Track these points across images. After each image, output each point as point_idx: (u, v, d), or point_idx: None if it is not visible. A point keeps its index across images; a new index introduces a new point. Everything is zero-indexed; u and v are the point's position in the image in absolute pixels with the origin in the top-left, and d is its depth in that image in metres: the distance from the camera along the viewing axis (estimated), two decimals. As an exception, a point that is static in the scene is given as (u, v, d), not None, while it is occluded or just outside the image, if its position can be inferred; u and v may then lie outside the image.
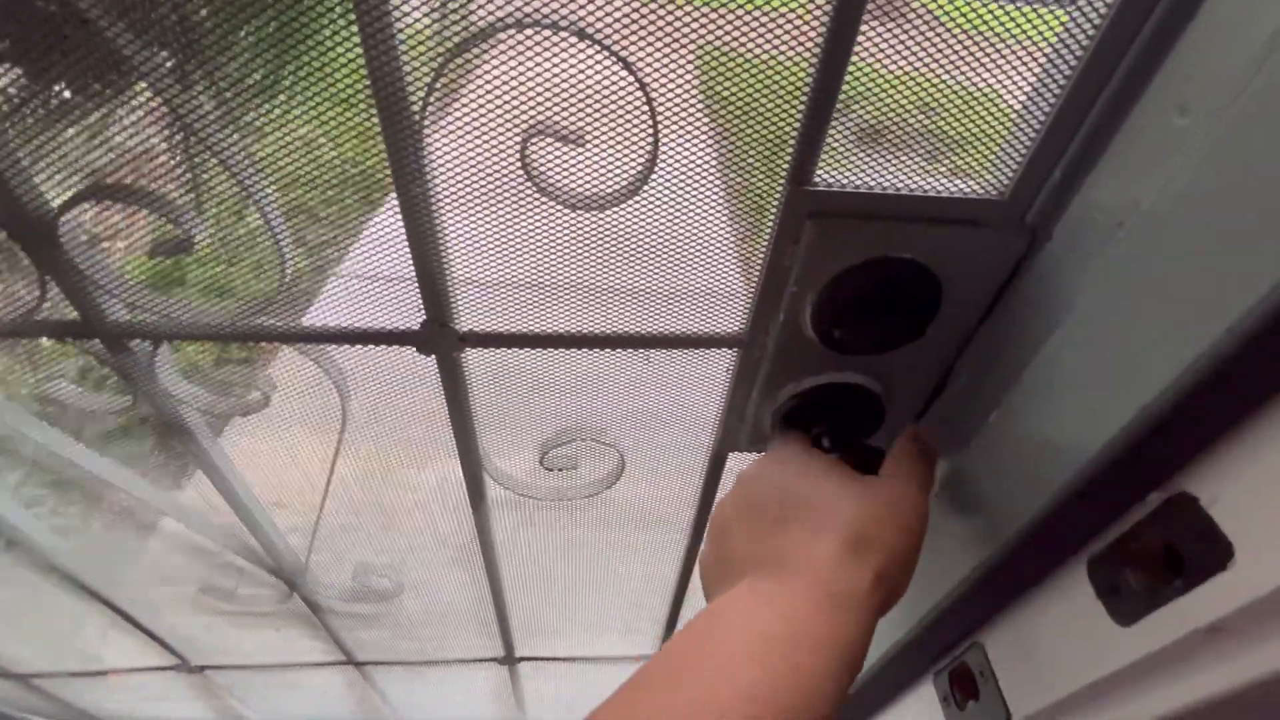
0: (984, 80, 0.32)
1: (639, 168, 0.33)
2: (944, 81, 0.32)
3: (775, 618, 0.29)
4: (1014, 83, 0.31)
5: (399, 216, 0.35)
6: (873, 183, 0.34)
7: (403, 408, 0.51)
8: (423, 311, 0.41)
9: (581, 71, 0.29)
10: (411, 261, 0.38)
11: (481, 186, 0.34)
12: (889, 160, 0.34)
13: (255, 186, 0.36)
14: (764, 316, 0.40)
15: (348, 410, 0.51)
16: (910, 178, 0.34)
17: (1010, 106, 0.32)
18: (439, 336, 0.42)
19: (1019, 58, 0.31)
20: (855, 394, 0.44)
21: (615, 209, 0.35)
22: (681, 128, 0.32)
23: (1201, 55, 0.24)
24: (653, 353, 0.45)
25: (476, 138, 0.32)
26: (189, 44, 0.32)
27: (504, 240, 0.37)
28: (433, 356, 0.44)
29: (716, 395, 0.49)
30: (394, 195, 0.35)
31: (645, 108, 0.30)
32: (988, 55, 0.31)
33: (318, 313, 0.45)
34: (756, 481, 0.39)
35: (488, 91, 0.30)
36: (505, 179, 0.34)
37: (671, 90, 0.30)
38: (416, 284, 0.39)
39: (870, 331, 0.38)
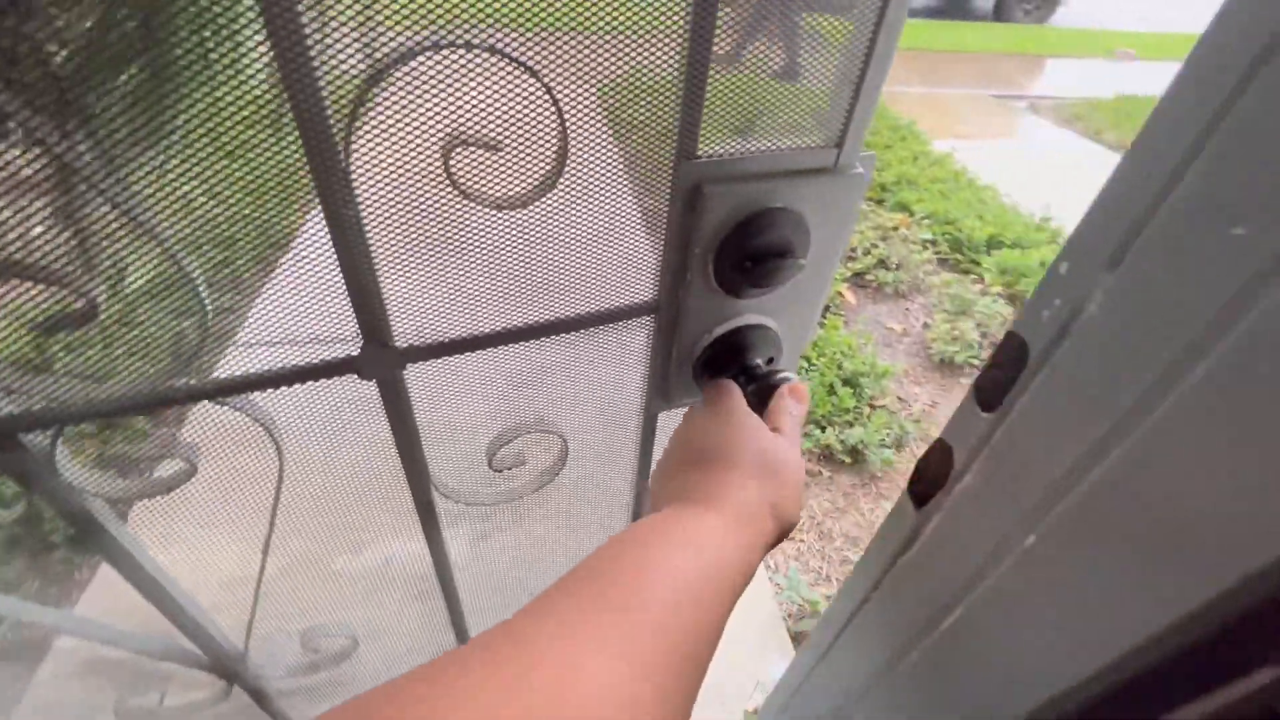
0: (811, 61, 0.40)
1: (552, 163, 0.37)
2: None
3: (704, 536, 0.34)
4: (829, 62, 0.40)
5: (319, 246, 0.37)
6: (746, 148, 0.41)
7: (342, 442, 0.51)
8: (360, 336, 0.42)
9: (495, 83, 0.33)
10: (345, 287, 0.39)
11: (409, 201, 0.37)
12: (755, 130, 0.41)
13: (162, 231, 0.36)
14: (672, 280, 0.46)
15: (284, 457, 0.50)
16: (771, 141, 0.42)
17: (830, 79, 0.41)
18: (380, 358, 0.43)
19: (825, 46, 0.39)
20: (758, 332, 0.52)
21: (535, 204, 0.39)
22: (585, 123, 0.37)
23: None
24: (580, 334, 0.49)
25: (402, 155, 0.34)
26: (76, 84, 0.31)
27: (435, 250, 0.40)
28: (374, 380, 0.45)
29: (640, 361, 0.54)
30: (312, 220, 0.36)
31: (553, 109, 0.35)
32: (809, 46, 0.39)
33: (239, 359, 0.44)
34: (686, 432, 0.46)
35: (409, 111, 0.33)
36: (430, 190, 0.36)
37: (573, 92, 0.35)
38: (352, 310, 0.41)
39: (764, 273, 0.46)
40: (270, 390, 0.43)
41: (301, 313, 0.41)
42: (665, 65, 0.36)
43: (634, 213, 0.43)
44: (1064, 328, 0.30)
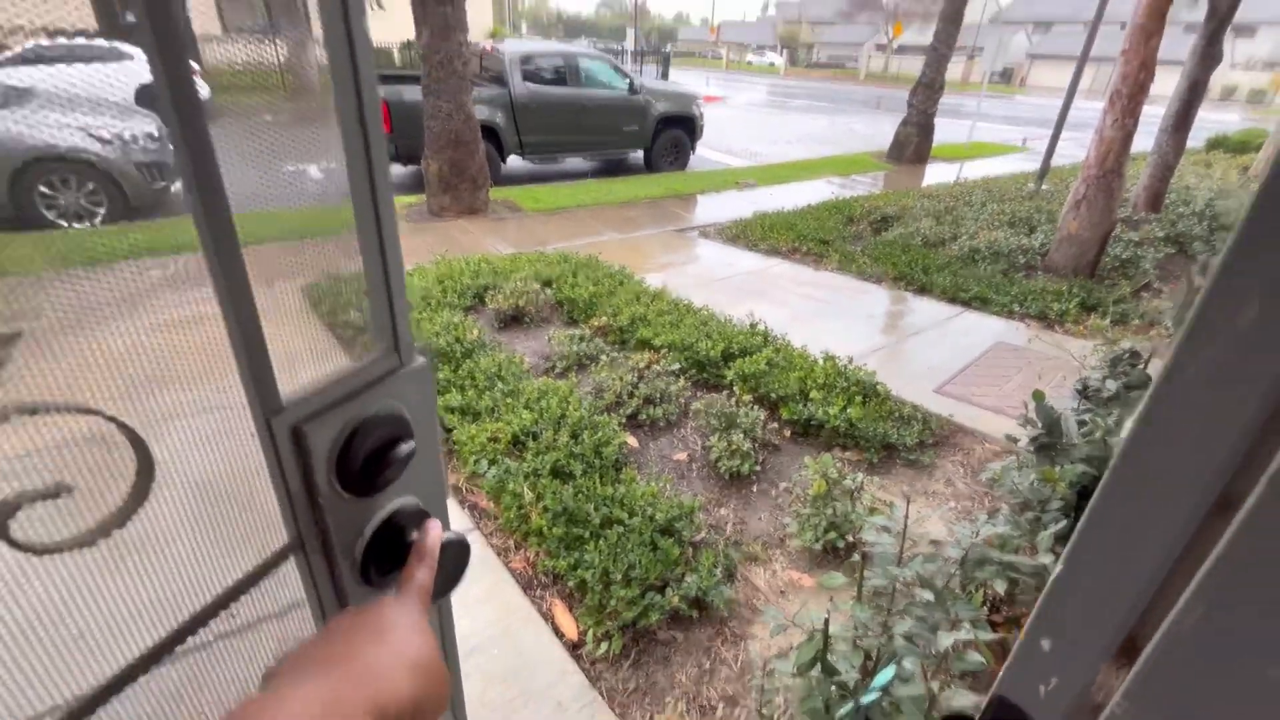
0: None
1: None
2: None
3: None
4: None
5: None
6: (324, 381, 0.45)
7: None
8: None
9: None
10: None
11: None
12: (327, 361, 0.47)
13: None
14: (305, 513, 0.47)
15: None
16: (344, 365, 0.48)
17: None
18: None
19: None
20: (403, 513, 0.54)
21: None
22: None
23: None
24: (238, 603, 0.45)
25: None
26: None
27: None
28: None
29: (304, 603, 0.52)
30: None
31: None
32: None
33: None
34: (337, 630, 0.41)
35: None
36: None
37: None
38: None
39: (387, 466, 0.49)
40: None
41: None
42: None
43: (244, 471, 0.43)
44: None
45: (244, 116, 0.41)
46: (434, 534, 0.50)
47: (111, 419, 0.30)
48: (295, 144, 0.45)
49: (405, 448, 0.50)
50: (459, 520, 2.36)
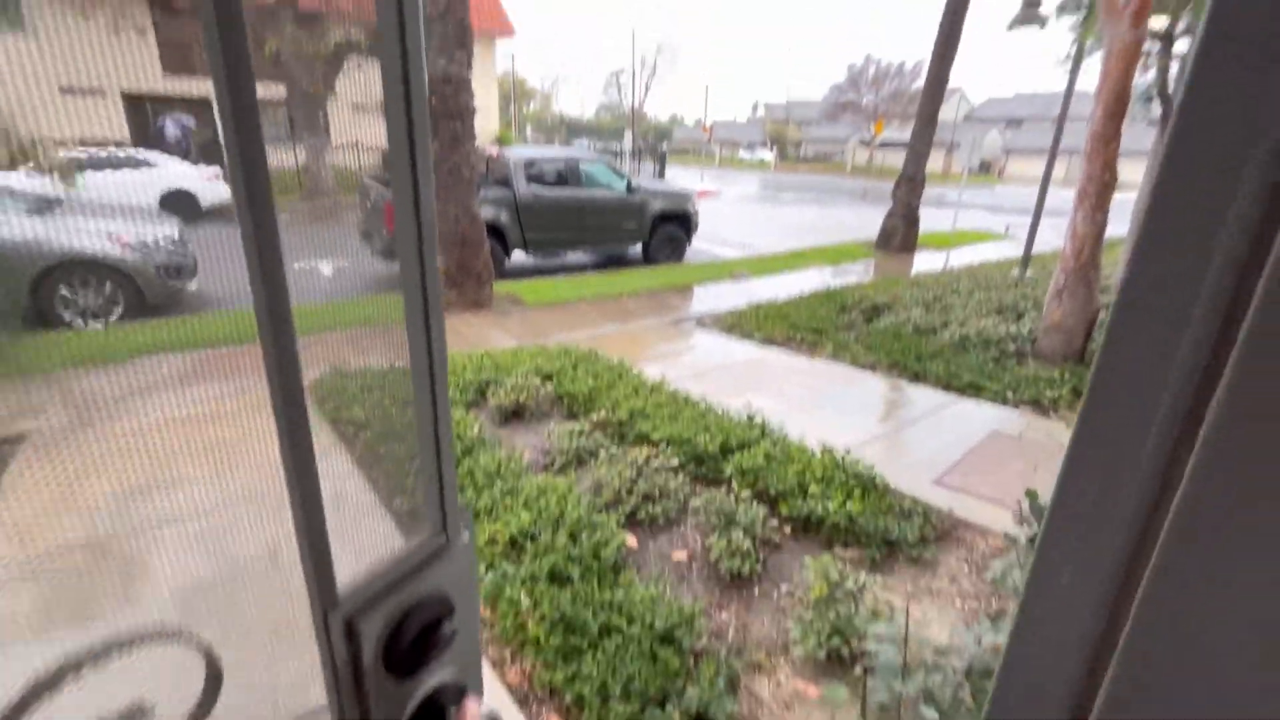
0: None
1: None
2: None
3: None
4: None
5: None
6: (377, 565, 0.47)
7: None
8: None
9: None
10: None
11: None
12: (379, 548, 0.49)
13: None
14: (348, 705, 0.47)
15: None
16: (390, 548, 0.49)
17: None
18: None
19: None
20: (443, 692, 0.55)
21: None
22: None
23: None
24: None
25: None
26: None
27: None
28: None
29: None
30: None
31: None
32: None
33: None
34: None
35: None
36: None
37: None
38: None
39: (429, 649, 0.50)
40: None
41: None
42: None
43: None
44: None
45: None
46: (471, 718, 0.51)
47: (192, 638, 0.34)
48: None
49: (449, 627, 0.51)
50: (454, 629, 2.30)
